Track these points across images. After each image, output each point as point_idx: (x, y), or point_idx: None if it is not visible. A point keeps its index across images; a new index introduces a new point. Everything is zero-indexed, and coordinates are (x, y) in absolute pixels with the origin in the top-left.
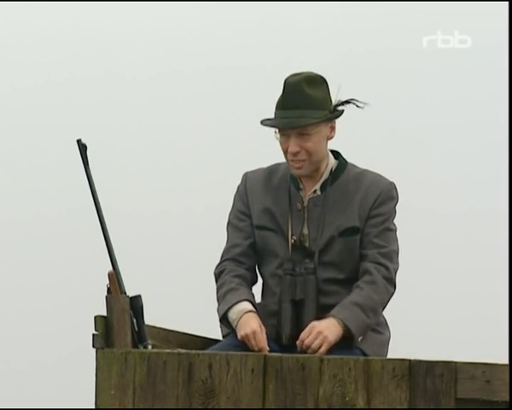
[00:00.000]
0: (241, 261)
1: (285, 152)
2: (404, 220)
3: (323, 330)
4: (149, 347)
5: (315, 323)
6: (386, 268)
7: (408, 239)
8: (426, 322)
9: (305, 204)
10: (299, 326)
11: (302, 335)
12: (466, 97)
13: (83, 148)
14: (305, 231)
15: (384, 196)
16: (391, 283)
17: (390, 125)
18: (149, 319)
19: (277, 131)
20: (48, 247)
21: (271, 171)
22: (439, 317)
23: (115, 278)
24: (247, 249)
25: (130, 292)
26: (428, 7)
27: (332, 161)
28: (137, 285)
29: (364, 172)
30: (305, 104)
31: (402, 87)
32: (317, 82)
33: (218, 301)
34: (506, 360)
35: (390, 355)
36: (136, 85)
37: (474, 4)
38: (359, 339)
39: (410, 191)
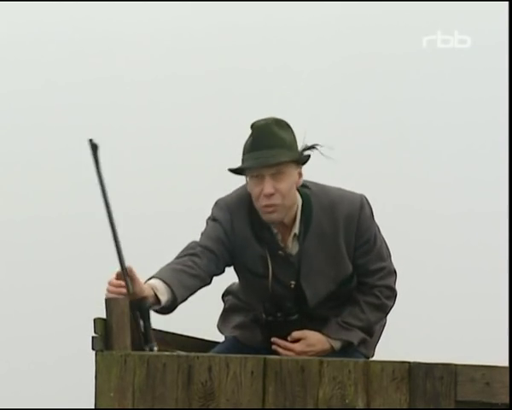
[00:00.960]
0: (199, 260)
1: (257, 197)
2: (403, 221)
3: (316, 344)
4: (155, 349)
5: (308, 333)
6: (387, 287)
7: (408, 240)
8: (425, 324)
9: (288, 250)
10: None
11: (291, 339)
12: (466, 98)
13: (94, 148)
14: (294, 279)
15: (361, 221)
16: (393, 296)
17: (390, 126)
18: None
19: (248, 176)
20: (48, 249)
21: (250, 211)
22: (438, 319)
23: (123, 278)
24: (210, 260)
25: None
26: (428, 7)
27: (300, 201)
28: None
29: (332, 199)
30: (277, 144)
31: (402, 87)
32: (284, 125)
33: None
34: (506, 363)
35: (390, 358)
36: (137, 87)
37: (473, 4)
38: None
39: (410, 192)
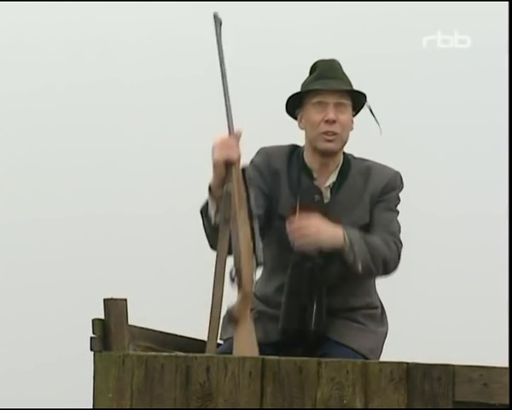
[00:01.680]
0: None
1: (318, 124)
2: (403, 223)
3: (320, 224)
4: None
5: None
6: (395, 243)
7: (407, 241)
8: (423, 325)
9: (324, 196)
10: (301, 320)
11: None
12: (466, 98)
13: (217, 21)
14: None
15: (389, 186)
16: (398, 256)
17: (389, 127)
18: (147, 322)
19: (309, 103)
20: (46, 250)
21: (292, 154)
22: (436, 320)
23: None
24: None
25: (129, 295)
26: (428, 7)
27: (342, 155)
28: (135, 288)
29: (370, 165)
30: (342, 78)
31: (401, 87)
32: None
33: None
34: (504, 364)
35: (388, 358)
36: (136, 88)
37: (473, 4)
38: (359, 267)
39: (410, 193)
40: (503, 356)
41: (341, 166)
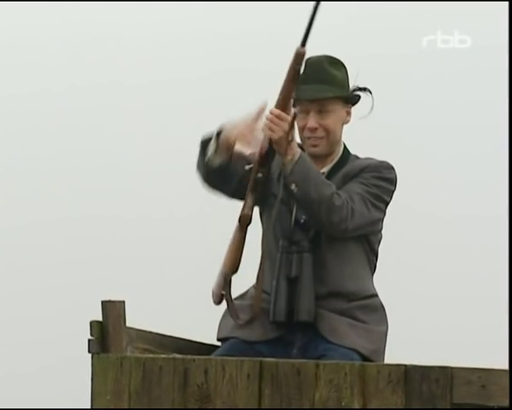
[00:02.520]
0: None
1: (302, 130)
2: (402, 223)
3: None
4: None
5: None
6: (347, 201)
7: (407, 242)
8: (422, 327)
9: None
10: (293, 303)
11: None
12: (466, 98)
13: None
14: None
15: (368, 169)
16: (346, 211)
17: (389, 127)
18: (145, 324)
19: (297, 108)
20: (45, 252)
21: None
22: (434, 322)
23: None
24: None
25: (127, 297)
26: (428, 7)
27: (341, 149)
28: (134, 291)
29: (367, 158)
30: (326, 80)
31: (401, 87)
32: (337, 63)
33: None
34: (502, 366)
35: (386, 360)
36: (135, 91)
37: (474, 4)
38: (292, 187)
39: (410, 194)
40: (501, 358)
41: (338, 160)
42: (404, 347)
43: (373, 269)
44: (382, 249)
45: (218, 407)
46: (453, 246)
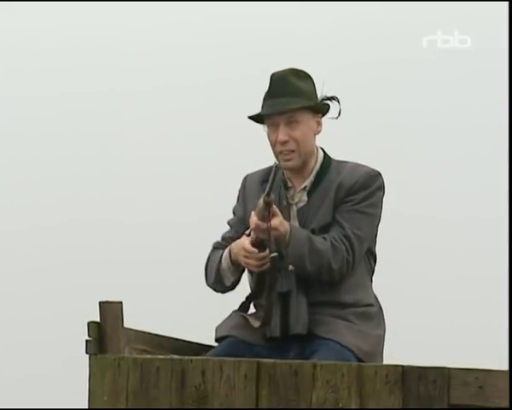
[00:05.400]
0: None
1: (273, 144)
2: (402, 226)
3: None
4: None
5: (282, 221)
6: (346, 249)
7: (405, 246)
8: (419, 328)
9: (294, 201)
10: (286, 318)
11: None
12: (466, 98)
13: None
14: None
15: (357, 186)
16: (346, 263)
17: (389, 128)
18: (143, 325)
19: (266, 124)
20: (43, 255)
21: (268, 172)
22: (432, 323)
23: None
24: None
25: (125, 298)
26: (428, 7)
27: (321, 158)
28: (132, 292)
29: (346, 164)
30: (292, 93)
31: (402, 87)
32: (303, 75)
33: (206, 271)
34: (500, 367)
35: (383, 361)
36: (135, 96)
37: (474, 4)
38: (290, 268)
39: (410, 197)
40: (499, 359)
41: (320, 168)
42: (402, 348)
43: (371, 273)
44: (381, 252)
45: (215, 407)
46: (451, 249)
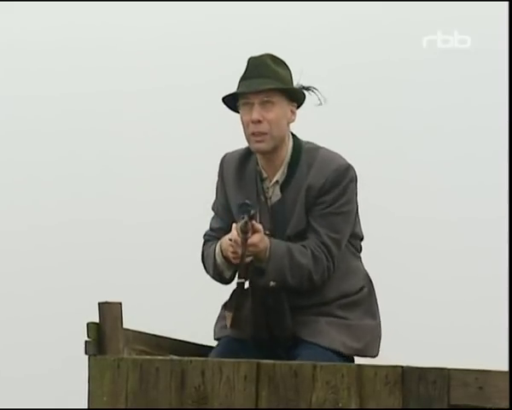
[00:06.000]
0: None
1: (247, 124)
2: (402, 227)
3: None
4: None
5: (262, 237)
6: (326, 257)
7: (404, 247)
8: (419, 328)
9: (269, 195)
10: (270, 322)
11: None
12: (466, 98)
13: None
14: (271, 227)
15: (327, 186)
16: (327, 270)
17: (388, 129)
18: (143, 325)
19: (240, 105)
20: (43, 255)
21: (244, 157)
22: (432, 323)
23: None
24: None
25: (124, 299)
26: (428, 7)
27: (291, 146)
28: (132, 293)
29: (316, 154)
30: (268, 75)
31: (401, 87)
32: (280, 62)
33: (203, 265)
34: (499, 367)
35: (383, 362)
36: (135, 96)
37: (474, 4)
38: (271, 284)
39: (409, 198)
40: (498, 360)
41: (290, 159)
42: (402, 348)
43: (359, 251)
44: (381, 252)
45: (215, 408)
46: (451, 249)
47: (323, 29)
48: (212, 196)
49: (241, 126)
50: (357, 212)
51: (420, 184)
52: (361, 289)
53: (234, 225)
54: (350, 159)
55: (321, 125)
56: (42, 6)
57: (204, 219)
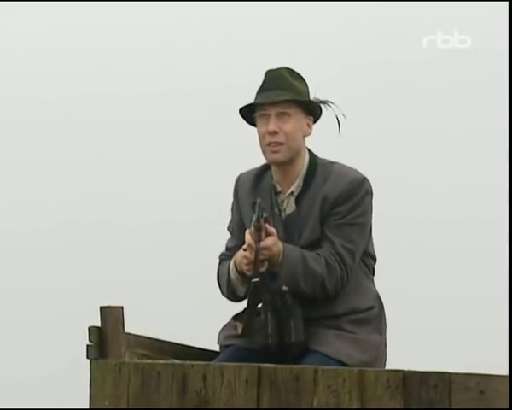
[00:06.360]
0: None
1: (263, 135)
2: (399, 228)
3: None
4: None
5: (276, 241)
6: (340, 266)
7: (404, 249)
8: (420, 333)
9: (283, 207)
10: (282, 328)
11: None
12: (466, 98)
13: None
14: (284, 238)
15: (341, 198)
16: (340, 280)
17: (389, 127)
18: (144, 329)
19: (257, 116)
20: (44, 258)
21: (259, 175)
22: (433, 327)
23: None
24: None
25: (126, 303)
26: (428, 7)
27: (307, 160)
28: (132, 296)
29: (332, 168)
30: (286, 87)
31: (401, 87)
32: (297, 76)
33: (218, 284)
34: (501, 372)
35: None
36: (135, 99)
37: (474, 4)
38: (284, 288)
39: (409, 199)
40: (499, 364)
41: (306, 172)
42: (403, 353)
43: (370, 272)
44: (380, 254)
45: None
46: (451, 251)
47: (323, 30)
48: (212, 199)
49: (257, 138)
50: (371, 230)
51: (420, 185)
52: (370, 308)
53: (247, 231)
54: (350, 159)
55: (321, 125)
56: (41, 7)
57: (204, 220)
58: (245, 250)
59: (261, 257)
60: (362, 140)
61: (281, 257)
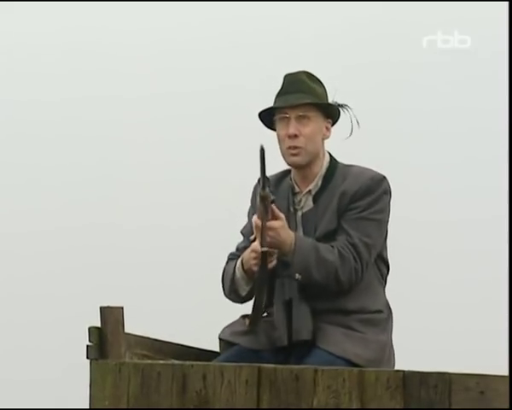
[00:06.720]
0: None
1: (283, 138)
2: (399, 230)
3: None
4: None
5: (283, 225)
6: (354, 258)
7: (405, 250)
8: (420, 333)
9: (300, 206)
10: (290, 325)
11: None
12: (466, 98)
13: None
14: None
15: (360, 192)
16: (354, 272)
17: (389, 127)
18: (144, 330)
19: (276, 120)
20: (45, 260)
21: (280, 178)
22: (433, 327)
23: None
24: None
25: (126, 303)
26: (428, 7)
27: (327, 162)
28: (132, 297)
29: (351, 168)
30: (305, 90)
31: (402, 87)
32: (316, 79)
33: (222, 283)
34: (501, 372)
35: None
36: (137, 102)
37: (474, 4)
38: (297, 276)
39: (409, 200)
40: (499, 364)
41: (326, 172)
42: (403, 353)
43: (382, 279)
44: None
45: None
46: (451, 252)
47: (323, 30)
48: (212, 201)
49: (277, 141)
50: (387, 232)
51: (419, 186)
52: (379, 311)
53: (254, 216)
54: (350, 159)
55: None
56: (42, 9)
57: (205, 222)
58: (254, 240)
59: (267, 239)
60: (362, 140)
61: (293, 246)
